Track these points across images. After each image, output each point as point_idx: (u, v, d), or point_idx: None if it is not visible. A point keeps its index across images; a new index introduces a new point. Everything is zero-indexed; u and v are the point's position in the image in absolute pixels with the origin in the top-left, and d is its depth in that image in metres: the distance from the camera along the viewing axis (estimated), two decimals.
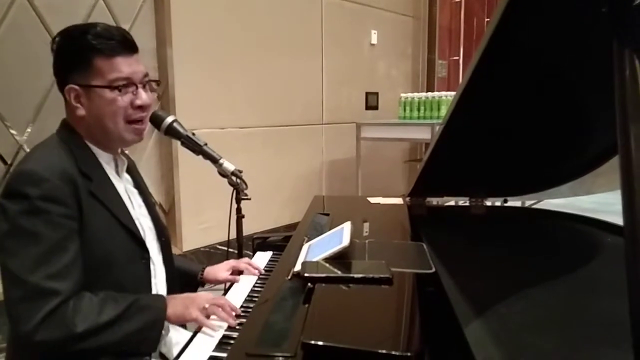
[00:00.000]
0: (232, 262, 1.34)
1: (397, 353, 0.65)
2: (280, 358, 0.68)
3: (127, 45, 1.03)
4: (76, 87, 1.01)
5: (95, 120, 1.03)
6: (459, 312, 0.84)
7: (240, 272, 1.30)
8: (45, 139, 1.07)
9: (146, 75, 1.08)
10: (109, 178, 1.07)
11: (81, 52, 1.00)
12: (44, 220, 0.91)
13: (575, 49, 0.88)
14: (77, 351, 0.92)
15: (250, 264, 1.31)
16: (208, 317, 1.00)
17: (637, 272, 0.48)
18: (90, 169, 1.02)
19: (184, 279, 1.31)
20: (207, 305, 1.01)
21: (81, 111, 1.03)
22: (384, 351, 0.65)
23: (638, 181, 0.49)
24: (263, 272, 1.29)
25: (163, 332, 1.02)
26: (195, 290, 1.33)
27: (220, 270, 1.32)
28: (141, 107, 1.05)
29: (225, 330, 0.96)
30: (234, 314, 1.00)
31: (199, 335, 0.96)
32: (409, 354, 0.65)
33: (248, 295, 1.15)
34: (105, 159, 1.08)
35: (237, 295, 1.16)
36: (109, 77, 1.01)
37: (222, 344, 0.92)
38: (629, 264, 0.48)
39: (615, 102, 0.54)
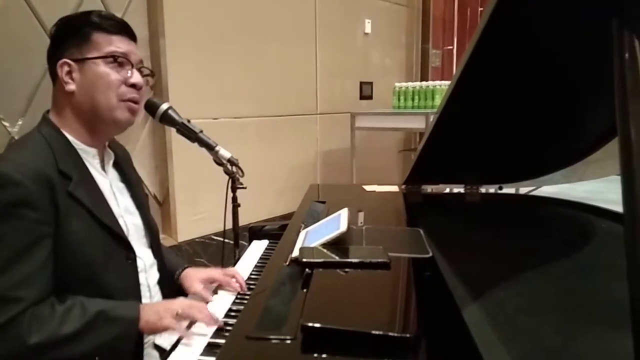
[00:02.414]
0: (213, 273, 1.18)
1: (396, 334, 0.65)
2: (280, 340, 0.69)
3: (127, 29, 1.04)
4: (69, 61, 0.99)
5: (86, 96, 1.00)
6: (456, 295, 0.84)
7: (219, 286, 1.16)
8: (24, 135, 1.03)
9: (142, 62, 1.07)
10: (91, 176, 1.02)
11: (80, 27, 1.00)
12: (10, 225, 0.86)
13: (570, 33, 0.88)
14: None
15: (234, 276, 1.14)
16: (190, 324, 0.94)
17: (636, 248, 0.48)
18: (70, 167, 0.97)
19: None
20: (180, 311, 0.94)
21: (71, 86, 1.00)
22: (382, 332, 0.66)
23: (637, 159, 0.49)
24: (244, 289, 1.12)
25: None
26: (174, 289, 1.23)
27: (195, 281, 1.18)
28: (134, 86, 1.03)
29: (223, 318, 0.96)
30: (210, 316, 0.94)
31: (195, 325, 0.95)
32: (407, 335, 0.65)
33: (228, 310, 1.04)
34: (89, 155, 1.04)
35: (218, 308, 1.04)
36: (105, 50, 1.00)
37: (220, 331, 0.92)
38: (629, 240, 0.48)
39: (615, 82, 0.54)
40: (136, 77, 1.03)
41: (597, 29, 0.62)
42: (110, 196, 1.06)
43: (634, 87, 0.51)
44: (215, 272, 1.18)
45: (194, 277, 1.20)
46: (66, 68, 1.00)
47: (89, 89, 1.00)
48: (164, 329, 0.95)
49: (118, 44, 1.01)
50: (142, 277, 1.09)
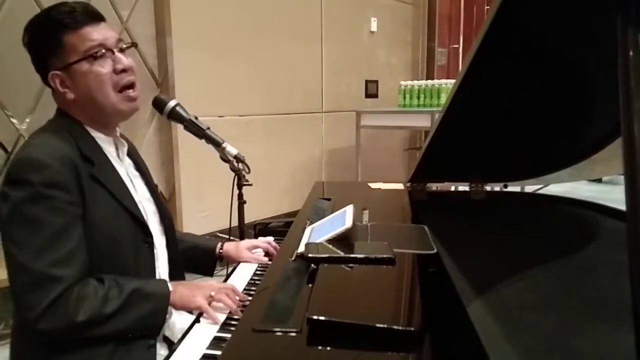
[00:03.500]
0: (254, 242, 1.36)
1: (400, 328, 0.66)
2: (287, 333, 0.70)
3: (91, 15, 1.01)
4: (57, 72, 1.00)
5: (86, 100, 1.01)
6: (460, 291, 0.85)
7: (266, 253, 1.33)
8: (42, 125, 1.05)
9: (120, 40, 1.05)
10: (110, 162, 1.06)
11: (49, 33, 0.99)
12: (46, 206, 0.90)
13: (576, 31, 0.88)
14: (82, 337, 0.93)
15: (270, 244, 1.34)
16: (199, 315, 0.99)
17: (637, 245, 0.49)
18: (92, 153, 1.01)
19: (199, 255, 1.32)
20: (213, 294, 1.00)
21: (70, 95, 1.01)
22: (387, 326, 0.67)
23: None
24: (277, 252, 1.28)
25: (167, 316, 1.02)
26: (212, 267, 1.35)
27: (242, 251, 1.32)
28: (125, 70, 1.03)
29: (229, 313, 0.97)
30: (239, 301, 1.00)
31: (203, 317, 0.97)
32: (412, 328, 0.66)
33: (251, 279, 1.17)
34: (105, 143, 1.07)
35: (240, 280, 1.17)
36: (82, 49, 0.99)
37: (226, 325, 0.94)
38: (631, 237, 0.49)
39: (619, 80, 0.54)
40: (122, 62, 1.02)
41: (603, 26, 0.62)
42: (128, 182, 1.09)
43: (638, 85, 0.51)
44: (255, 241, 1.38)
45: (239, 248, 1.33)
46: (57, 79, 1.00)
47: (85, 92, 1.01)
48: (196, 308, 1.00)
49: (90, 37, 0.99)
50: (155, 265, 1.11)
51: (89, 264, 0.96)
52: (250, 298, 1.01)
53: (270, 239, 1.45)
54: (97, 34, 1.00)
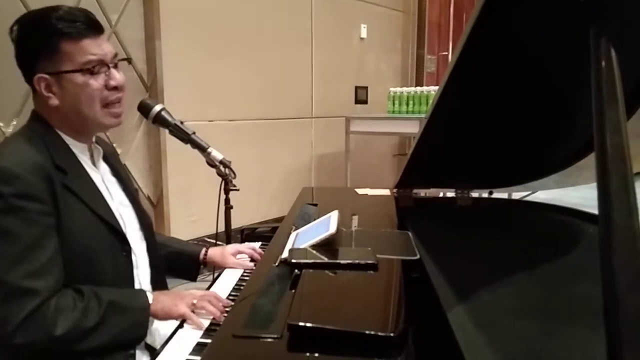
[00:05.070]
0: (238, 247, 1.34)
1: (381, 333, 0.67)
2: (267, 339, 0.70)
3: (93, 26, 0.99)
4: (46, 75, 0.96)
5: (71, 109, 0.99)
6: (442, 297, 0.85)
7: (251, 258, 1.32)
8: (14, 132, 1.03)
9: (116, 55, 1.04)
10: (84, 169, 1.03)
11: (46, 37, 0.95)
12: (19, 218, 0.88)
13: (557, 39, 0.90)
14: (60, 351, 0.91)
15: (254, 249, 1.32)
16: (183, 321, 0.98)
17: (609, 254, 0.49)
18: (65, 162, 0.98)
19: (183, 260, 1.31)
20: (195, 301, 0.99)
21: (54, 101, 0.98)
22: (367, 332, 0.67)
23: (612, 163, 0.50)
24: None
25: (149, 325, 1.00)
26: (196, 273, 1.34)
27: (227, 256, 1.31)
28: (116, 88, 1.02)
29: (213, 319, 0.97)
30: (222, 306, 1.00)
31: (187, 323, 0.97)
32: (392, 334, 0.67)
33: (236, 284, 1.16)
34: (79, 149, 1.05)
35: (225, 285, 1.17)
36: (79, 61, 0.96)
37: (209, 331, 0.93)
38: (602, 245, 0.49)
39: (592, 89, 0.56)
40: (115, 79, 1.02)
41: (579, 36, 0.64)
42: (104, 190, 1.07)
43: (610, 95, 0.53)
44: (239, 246, 1.36)
45: (224, 254, 1.32)
46: (44, 83, 0.97)
47: (71, 102, 0.99)
48: (179, 316, 0.98)
49: (90, 50, 0.97)
50: (134, 273, 1.10)
51: (65, 274, 0.94)
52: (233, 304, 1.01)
53: (257, 244, 1.45)
54: (98, 48, 0.98)
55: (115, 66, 1.03)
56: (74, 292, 0.93)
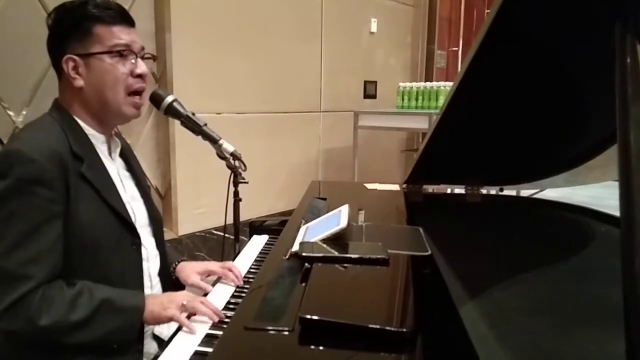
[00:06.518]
0: (210, 266, 1.18)
1: (392, 329, 0.66)
2: (279, 332, 0.69)
3: (126, 17, 1.04)
4: (74, 56, 0.99)
5: (95, 92, 1.01)
6: (453, 293, 0.85)
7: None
8: (37, 117, 1.04)
9: (143, 48, 1.07)
10: (101, 160, 1.04)
11: (80, 21, 0.99)
12: (26, 202, 0.88)
13: (574, 36, 0.89)
14: (49, 342, 0.89)
15: (231, 270, 1.12)
16: (189, 316, 0.94)
17: (631, 255, 0.49)
18: (83, 150, 0.99)
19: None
20: (185, 302, 0.95)
21: (79, 82, 1.00)
22: (379, 326, 0.67)
23: (636, 162, 0.49)
24: (241, 283, 1.11)
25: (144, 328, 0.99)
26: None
27: (192, 273, 1.18)
28: (141, 76, 1.04)
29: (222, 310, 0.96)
30: (213, 309, 0.94)
31: (194, 317, 0.95)
32: (403, 329, 0.66)
33: (227, 302, 1.02)
34: (98, 141, 1.06)
35: (216, 301, 1.02)
36: (109, 44, 1.00)
37: (218, 323, 0.93)
38: (624, 245, 0.49)
39: (616, 86, 0.55)
40: (141, 67, 1.05)
41: (600, 32, 0.63)
42: (118, 182, 1.08)
43: (635, 92, 0.52)
44: (212, 265, 1.19)
45: (190, 269, 1.20)
46: (72, 63, 1.00)
47: (97, 84, 1.01)
48: (168, 320, 0.96)
49: (120, 35, 1.01)
50: (144, 266, 1.10)
51: (67, 265, 0.93)
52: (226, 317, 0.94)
53: (265, 237, 1.44)
54: (127, 35, 1.02)
55: (142, 58, 1.06)
56: (66, 285, 0.92)
